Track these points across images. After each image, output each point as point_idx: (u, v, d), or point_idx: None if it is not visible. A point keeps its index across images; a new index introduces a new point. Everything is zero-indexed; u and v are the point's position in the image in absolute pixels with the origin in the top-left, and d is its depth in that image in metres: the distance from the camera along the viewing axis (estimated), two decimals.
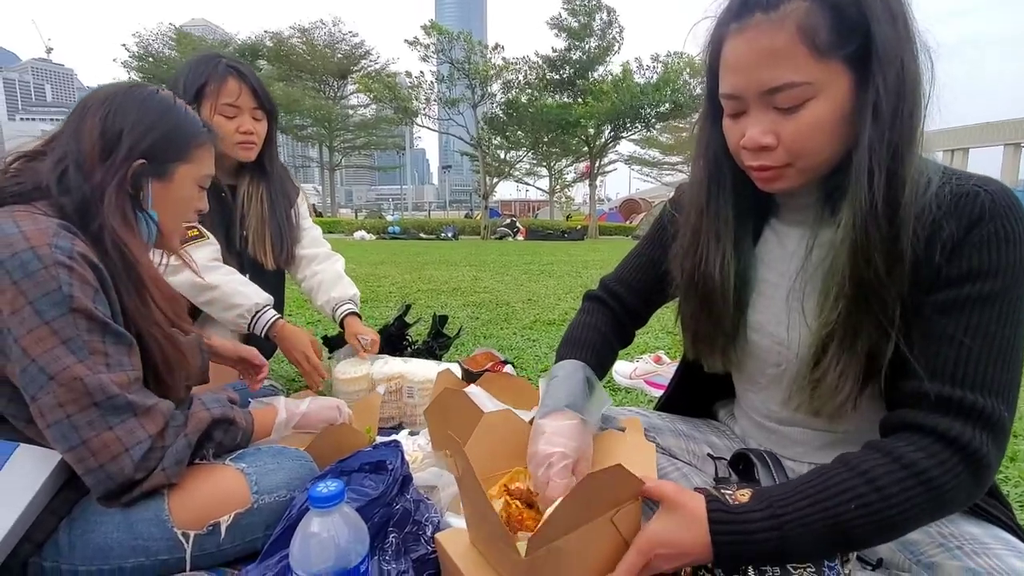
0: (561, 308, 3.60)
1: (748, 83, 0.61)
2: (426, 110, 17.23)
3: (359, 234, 15.00)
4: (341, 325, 1.62)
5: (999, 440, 0.57)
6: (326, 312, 1.64)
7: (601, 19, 15.77)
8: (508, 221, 17.04)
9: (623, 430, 0.81)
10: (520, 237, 16.15)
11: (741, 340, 0.76)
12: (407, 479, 0.96)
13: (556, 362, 0.87)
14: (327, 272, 1.63)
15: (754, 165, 0.65)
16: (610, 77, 15.76)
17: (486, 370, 1.39)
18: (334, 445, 1.13)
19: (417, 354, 1.95)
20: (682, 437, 0.91)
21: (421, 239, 15.15)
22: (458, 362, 1.50)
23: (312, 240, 1.68)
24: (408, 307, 2.03)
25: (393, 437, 1.36)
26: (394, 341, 1.96)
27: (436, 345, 1.98)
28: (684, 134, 27.80)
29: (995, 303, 0.58)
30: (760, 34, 0.58)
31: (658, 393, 1.74)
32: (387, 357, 1.57)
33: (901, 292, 0.61)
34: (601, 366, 0.88)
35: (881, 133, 0.58)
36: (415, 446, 1.33)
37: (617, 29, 16.04)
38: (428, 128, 18.24)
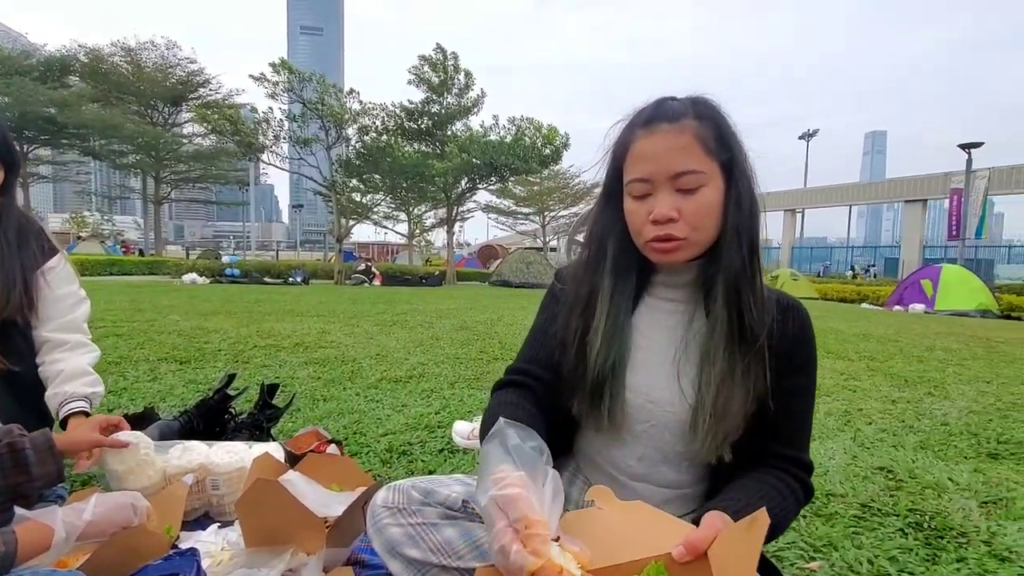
0: (410, 364, 3.57)
1: (659, 169, 0.78)
2: (274, 147, 16.27)
3: (189, 277, 13.30)
4: (63, 424, 1.32)
5: (810, 474, 0.86)
6: (51, 406, 1.35)
7: (459, 81, 16.53)
8: (363, 267, 16.46)
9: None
10: (377, 282, 15.73)
11: (617, 399, 0.84)
12: None
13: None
14: (70, 363, 1.37)
15: (660, 235, 0.79)
16: (468, 133, 16.47)
17: (310, 451, 1.32)
18: (124, 553, 0.99)
19: (240, 429, 1.79)
20: None
21: (265, 284, 13.96)
22: (281, 445, 1.41)
23: (66, 324, 1.41)
24: (231, 377, 1.86)
25: (197, 536, 1.22)
26: (213, 416, 1.78)
27: (264, 418, 1.84)
28: (535, 187, 29.98)
29: (811, 388, 0.87)
30: (668, 135, 0.78)
31: None
32: (185, 443, 1.39)
33: (766, 369, 0.79)
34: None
35: (741, 222, 0.79)
36: (224, 542, 1.21)
37: (477, 92, 16.90)
38: (277, 167, 17.17)
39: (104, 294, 8.04)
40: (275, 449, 1.41)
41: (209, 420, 1.78)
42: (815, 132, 45.85)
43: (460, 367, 3.51)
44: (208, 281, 13.42)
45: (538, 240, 34.92)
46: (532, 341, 0.95)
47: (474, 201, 24.94)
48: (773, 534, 0.79)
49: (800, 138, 46.47)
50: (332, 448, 1.38)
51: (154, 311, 6.08)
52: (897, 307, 11.90)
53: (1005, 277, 20.03)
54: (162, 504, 1.19)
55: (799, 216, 35.81)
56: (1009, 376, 3.81)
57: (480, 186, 18.25)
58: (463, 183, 17.47)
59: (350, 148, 16.76)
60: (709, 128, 0.78)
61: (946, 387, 3.38)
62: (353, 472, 1.25)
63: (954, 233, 19.67)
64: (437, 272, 18.13)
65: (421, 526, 0.86)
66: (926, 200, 29.49)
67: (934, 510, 1.65)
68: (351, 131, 16.33)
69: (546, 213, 32.87)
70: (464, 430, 2.00)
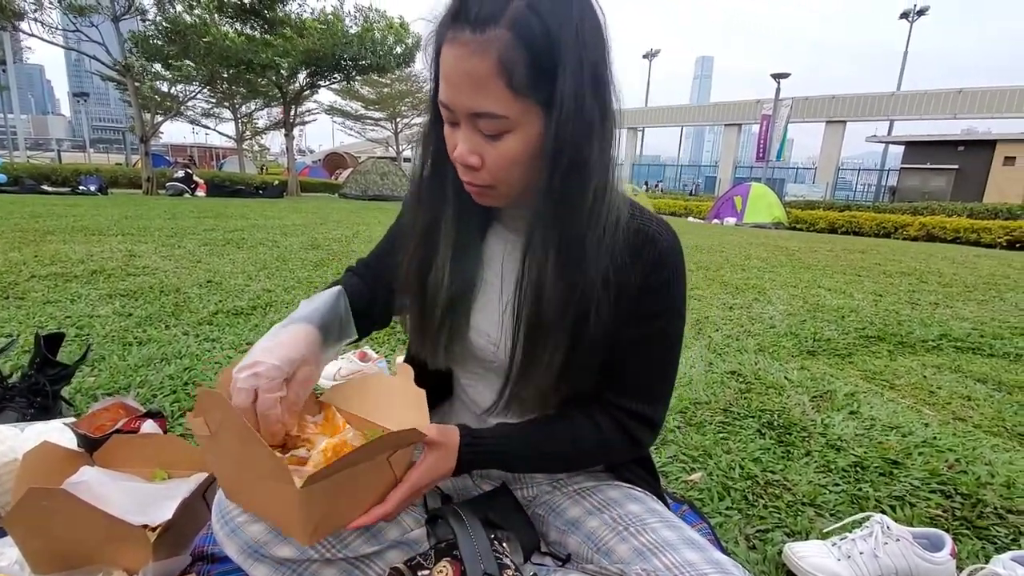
0: (252, 291, 3.06)
1: (456, 100, 0.60)
2: (38, 14, 12.30)
3: None
4: None
5: (654, 430, 0.78)
6: None
7: None
8: (182, 173, 13.81)
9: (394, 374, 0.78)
10: (200, 193, 13.49)
11: (461, 337, 0.77)
12: None
13: None
14: None
15: (464, 180, 0.66)
16: (319, 13, 14.08)
17: (116, 431, 0.97)
18: None
19: (9, 398, 1.32)
20: None
21: (45, 193, 11.18)
22: (68, 424, 1.02)
23: None
24: None
25: None
26: None
27: (45, 380, 1.37)
28: (385, 89, 27.58)
29: (664, 337, 0.74)
30: (467, 53, 0.57)
31: None
32: None
33: (592, 320, 0.67)
34: (360, 312, 0.80)
35: (558, 177, 0.61)
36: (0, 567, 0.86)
37: None
38: (43, 39, 13.12)
39: None
40: (59, 430, 1.02)
41: None
42: (657, 52, 48.36)
43: (315, 293, 3.11)
44: None
45: (391, 149, 32.83)
46: (380, 246, 0.90)
47: (315, 102, 22.21)
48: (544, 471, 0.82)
49: (644, 56, 48.76)
50: (148, 424, 1.03)
51: None
52: (715, 220, 13.59)
53: (792, 195, 23.88)
54: None
55: (640, 134, 38.41)
56: (809, 280, 4.51)
57: (321, 83, 16.05)
58: (301, 78, 15.26)
59: (148, 24, 13.39)
60: (525, 48, 0.55)
61: (767, 292, 3.87)
62: (183, 452, 0.95)
63: (761, 155, 22.70)
64: (276, 182, 16.15)
65: None
66: (741, 125, 33.43)
67: (779, 408, 1.84)
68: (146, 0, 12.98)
69: (398, 120, 30.69)
70: (330, 371, 1.73)
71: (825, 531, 1.17)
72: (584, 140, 0.60)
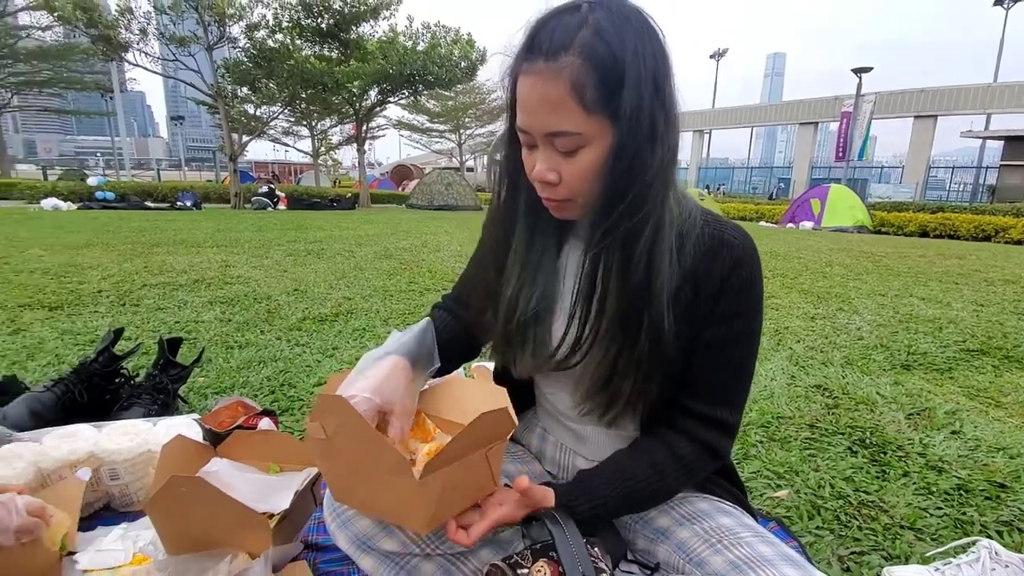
0: (334, 299, 3.26)
1: (534, 124, 0.66)
2: (141, 45, 13.66)
3: (50, 202, 11.31)
4: None
5: (731, 436, 0.79)
6: None
7: None
8: (266, 189, 14.85)
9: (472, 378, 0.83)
10: (282, 206, 14.43)
11: (542, 347, 0.80)
12: None
13: None
14: None
15: (543, 196, 0.71)
16: (377, 36, 14.78)
17: (237, 427, 1.08)
18: None
19: (138, 395, 1.49)
20: None
21: (148, 209, 12.34)
22: (196, 419, 1.15)
23: None
24: (118, 333, 1.52)
25: (97, 544, 0.98)
26: (98, 383, 1.46)
27: (167, 379, 1.54)
28: (450, 102, 28.37)
29: (741, 339, 0.75)
30: (542, 81, 0.63)
31: None
32: (62, 429, 1.08)
33: (661, 323, 0.69)
34: (448, 344, 0.86)
35: (621, 182, 0.65)
36: (136, 547, 0.98)
37: None
38: (146, 68, 14.54)
39: None
40: (187, 425, 1.14)
41: (94, 387, 1.45)
42: (725, 51, 46.76)
43: (391, 301, 3.26)
44: (75, 207, 11.58)
45: (454, 159, 33.64)
46: (464, 276, 0.95)
47: (384, 116, 23.16)
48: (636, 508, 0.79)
49: (711, 57, 47.26)
50: (265, 422, 1.15)
51: (8, 244, 5.12)
52: (790, 224, 12.90)
53: (876, 196, 22.28)
54: (54, 502, 0.92)
55: (707, 137, 37.19)
56: (899, 288, 4.21)
57: (391, 99, 16.73)
58: (373, 95, 15.99)
59: (238, 49, 14.52)
60: (594, 69, 0.61)
61: (852, 301, 3.65)
62: (294, 448, 1.04)
63: (840, 154, 21.37)
64: (349, 195, 16.97)
65: None
66: (817, 123, 31.62)
67: (871, 425, 1.74)
68: (237, 29, 14.07)
69: (462, 131, 31.43)
70: None
71: (926, 555, 1.11)
72: (647, 147, 0.64)
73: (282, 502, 0.91)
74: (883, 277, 4.78)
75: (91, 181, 15.47)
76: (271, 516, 0.91)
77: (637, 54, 0.61)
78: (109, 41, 13.11)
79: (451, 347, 0.87)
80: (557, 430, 0.93)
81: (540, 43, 0.63)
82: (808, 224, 12.43)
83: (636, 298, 0.68)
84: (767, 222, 14.33)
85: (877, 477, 1.45)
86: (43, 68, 21.42)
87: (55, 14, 12.69)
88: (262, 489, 0.93)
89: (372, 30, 15.19)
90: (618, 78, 0.61)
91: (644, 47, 0.62)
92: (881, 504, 1.31)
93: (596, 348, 0.73)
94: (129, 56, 13.91)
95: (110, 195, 12.87)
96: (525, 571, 0.72)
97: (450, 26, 15.25)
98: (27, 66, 21.20)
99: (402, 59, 13.82)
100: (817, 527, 1.23)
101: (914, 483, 1.41)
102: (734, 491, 0.86)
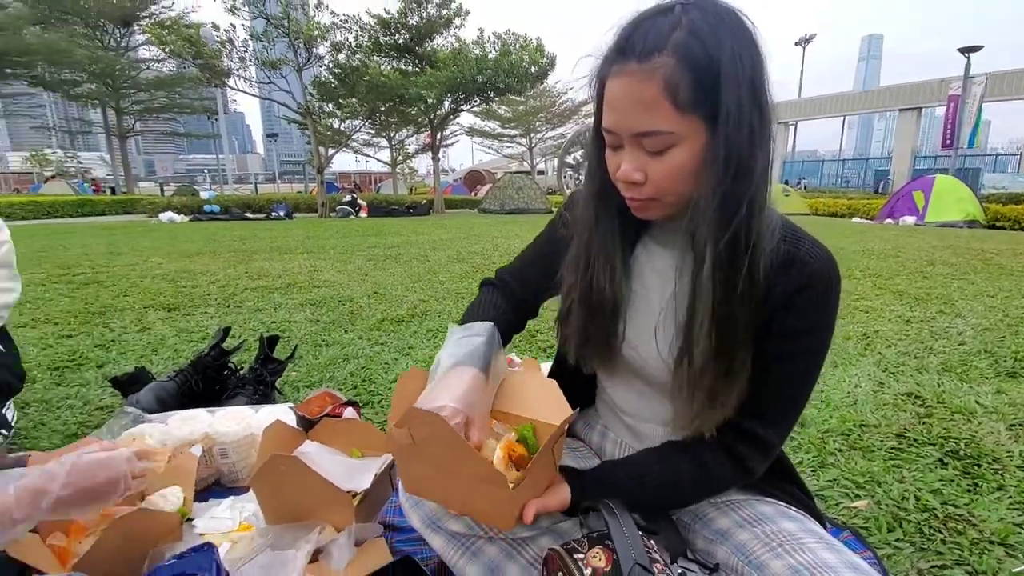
0: (410, 301, 3.44)
1: (622, 124, 0.66)
2: (241, 71, 15.06)
3: (167, 215, 12.76)
4: None
5: (767, 457, 0.77)
6: None
7: None
8: (349, 198, 15.84)
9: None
10: (363, 214, 15.29)
11: (617, 345, 0.82)
12: None
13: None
14: None
15: (626, 195, 0.72)
16: (457, 45, 15.32)
17: (325, 415, 1.21)
18: (131, 542, 0.89)
19: (242, 385, 1.68)
20: None
21: (247, 219, 13.52)
22: (291, 408, 1.29)
23: None
24: (226, 331, 1.72)
25: (211, 512, 1.13)
26: (211, 375, 1.66)
27: (266, 372, 1.72)
28: (520, 107, 28.68)
29: (803, 357, 0.73)
30: (634, 81, 0.63)
31: None
32: (183, 413, 1.27)
33: (751, 330, 0.69)
34: (504, 334, 0.88)
35: (725, 185, 0.64)
36: (242, 517, 1.12)
37: (458, 2, 15.47)
38: (246, 92, 16.00)
39: (79, 238, 7.70)
40: (284, 413, 1.29)
41: (207, 378, 1.66)
42: (812, 37, 43.84)
43: (463, 303, 3.39)
44: (187, 219, 12.93)
45: (525, 163, 33.96)
46: (524, 257, 0.96)
47: (457, 124, 23.86)
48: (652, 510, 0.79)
49: (796, 44, 44.49)
50: (349, 411, 1.28)
51: (134, 254, 5.83)
52: (888, 220, 11.87)
53: (990, 187, 19.95)
54: (171, 479, 1.09)
55: (792, 129, 34.98)
56: (1011, 289, 3.80)
57: (463, 108, 17.24)
58: (446, 104, 16.55)
59: (323, 68, 15.59)
60: (688, 69, 0.60)
61: (955, 303, 3.34)
62: (374, 436, 1.15)
63: (948, 142, 19.37)
64: (424, 201, 17.65)
65: None
66: (921, 108, 28.84)
67: (967, 436, 1.62)
68: (322, 49, 15.12)
69: (532, 135, 31.67)
70: None
71: (1014, 572, 1.03)
72: (747, 147, 0.63)
73: (364, 482, 1.02)
74: (993, 276, 4.32)
75: (203, 195, 17.18)
76: (354, 495, 1.02)
77: (734, 55, 0.60)
78: (214, 69, 14.53)
79: (501, 322, 0.88)
80: (617, 427, 0.94)
81: (633, 45, 0.62)
82: (910, 219, 11.39)
83: (724, 305, 0.68)
84: (861, 218, 13.28)
85: (968, 490, 1.35)
86: (160, 96, 24.01)
87: (167, 48, 14.27)
88: (347, 470, 1.04)
89: (444, 41, 15.72)
90: (713, 78, 0.61)
91: (741, 48, 0.61)
92: (970, 518, 1.22)
93: (680, 354, 0.72)
94: (231, 82, 15.32)
95: (216, 208, 14.22)
96: (581, 556, 0.77)
97: (519, 33, 15.47)
98: (147, 95, 23.85)
99: (474, 67, 14.19)
100: (897, 539, 1.17)
101: (1009, 497, 1.31)
102: (800, 495, 0.84)
